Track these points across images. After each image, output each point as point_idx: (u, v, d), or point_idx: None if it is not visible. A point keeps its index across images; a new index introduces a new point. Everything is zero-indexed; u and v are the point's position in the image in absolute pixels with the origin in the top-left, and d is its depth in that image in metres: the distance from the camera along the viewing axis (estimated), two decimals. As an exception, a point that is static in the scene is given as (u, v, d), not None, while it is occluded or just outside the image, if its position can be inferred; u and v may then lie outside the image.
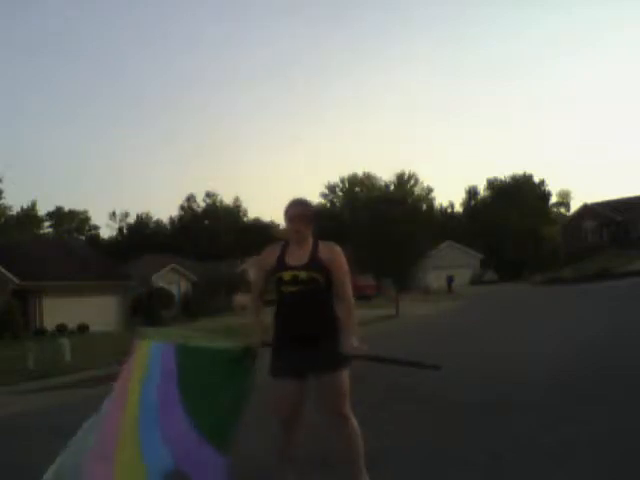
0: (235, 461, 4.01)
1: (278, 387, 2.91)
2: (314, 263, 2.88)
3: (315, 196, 61.71)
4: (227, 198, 67.02)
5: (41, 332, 25.18)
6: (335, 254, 2.93)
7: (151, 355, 2.74)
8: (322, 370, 2.85)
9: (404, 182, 57.52)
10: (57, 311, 26.39)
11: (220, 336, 3.03)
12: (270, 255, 3.01)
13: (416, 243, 23.59)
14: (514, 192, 56.67)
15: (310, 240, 2.98)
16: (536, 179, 61.29)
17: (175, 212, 66.45)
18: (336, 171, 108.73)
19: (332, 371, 2.85)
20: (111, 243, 62.17)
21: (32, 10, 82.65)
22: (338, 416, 2.91)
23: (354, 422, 2.93)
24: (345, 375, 2.90)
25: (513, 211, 53.54)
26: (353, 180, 60.67)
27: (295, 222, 2.92)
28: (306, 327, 2.85)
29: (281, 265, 2.92)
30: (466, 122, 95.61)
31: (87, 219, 67.64)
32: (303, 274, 2.86)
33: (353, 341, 2.78)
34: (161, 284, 35.97)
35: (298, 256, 2.91)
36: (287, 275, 2.88)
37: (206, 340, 2.97)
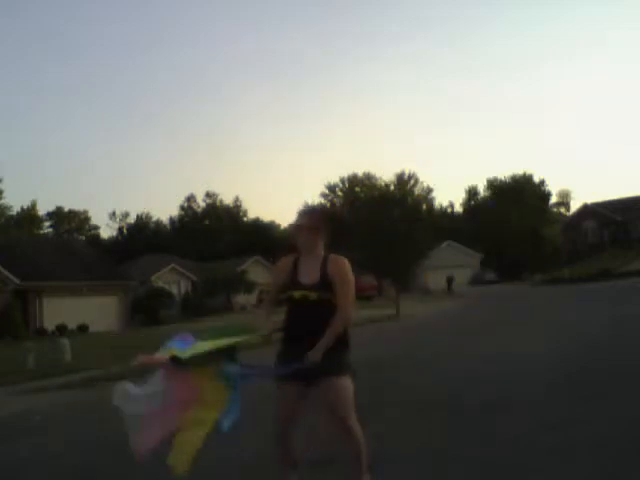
0: (235, 460, 4.02)
1: (280, 391, 2.97)
2: (324, 282, 2.90)
3: (315, 196, 61.68)
4: (227, 198, 67.04)
5: (41, 332, 25.18)
6: (340, 267, 2.94)
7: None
8: (323, 376, 2.84)
9: (404, 182, 57.40)
10: (57, 311, 26.39)
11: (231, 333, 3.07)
12: (284, 268, 3.03)
13: (416, 243, 23.59)
14: (514, 192, 56.65)
15: (321, 251, 3.00)
16: (536, 179, 61.31)
17: (175, 212, 66.52)
18: (336, 171, 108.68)
19: (333, 377, 2.85)
20: (111, 243, 62.15)
21: (33, 10, 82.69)
22: (341, 424, 2.90)
23: (357, 429, 2.91)
24: (347, 381, 2.89)
25: (513, 211, 53.53)
26: (353, 180, 60.62)
27: (300, 233, 2.97)
28: (312, 336, 2.84)
29: (293, 283, 2.95)
30: (466, 122, 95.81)
31: (87, 219, 67.63)
32: (313, 295, 2.88)
33: (317, 354, 2.76)
34: (161, 284, 35.95)
35: (310, 272, 2.93)
36: (297, 294, 2.91)
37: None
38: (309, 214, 3.09)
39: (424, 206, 50.18)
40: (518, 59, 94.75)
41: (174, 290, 36.51)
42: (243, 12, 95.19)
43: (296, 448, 3.07)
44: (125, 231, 65.91)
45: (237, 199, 66.41)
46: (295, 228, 3.02)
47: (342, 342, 2.92)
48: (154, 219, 67.46)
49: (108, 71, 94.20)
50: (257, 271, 40.59)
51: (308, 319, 2.89)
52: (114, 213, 67.23)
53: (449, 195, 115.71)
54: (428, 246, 28.11)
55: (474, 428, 4.29)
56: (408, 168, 58.06)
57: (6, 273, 25.39)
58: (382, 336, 13.89)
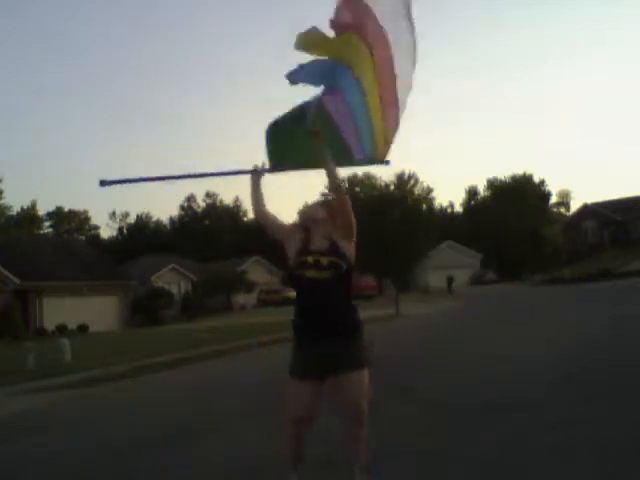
0: (237, 460, 4.02)
1: (295, 387, 2.88)
2: (334, 248, 2.90)
3: (315, 196, 61.71)
4: (227, 198, 67.05)
5: (41, 332, 25.20)
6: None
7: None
8: (344, 370, 2.82)
9: (404, 182, 57.45)
10: (57, 311, 26.42)
11: None
12: (297, 230, 3.04)
13: (416, 243, 23.59)
14: (514, 192, 56.66)
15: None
16: (536, 179, 61.37)
17: (175, 212, 66.56)
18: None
19: (354, 371, 2.83)
20: (111, 243, 62.17)
21: (33, 10, 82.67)
22: (357, 418, 2.88)
23: (365, 425, 2.92)
24: (366, 375, 2.88)
25: (513, 211, 53.54)
26: (353, 180, 60.69)
27: (318, 225, 3.01)
28: (328, 319, 2.83)
29: (304, 249, 2.93)
30: (466, 122, 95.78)
31: (87, 219, 67.63)
32: (324, 259, 2.85)
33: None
34: (161, 284, 35.96)
35: (319, 243, 2.94)
36: (310, 258, 2.87)
37: None
38: (320, 204, 3.08)
39: (424, 206, 50.31)
40: (518, 59, 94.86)
41: (174, 290, 36.52)
42: (244, 12, 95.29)
43: (303, 449, 3.03)
44: (125, 231, 65.95)
45: (237, 199, 66.51)
46: (312, 221, 3.00)
47: (357, 330, 2.90)
48: (154, 219, 67.57)
49: (108, 71, 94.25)
50: (257, 271, 40.63)
51: (322, 299, 2.83)
52: (114, 213, 67.34)
53: (449, 195, 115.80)
54: (428, 246, 28.14)
55: (474, 428, 4.29)
56: (408, 168, 58.17)
57: (6, 273, 25.41)
58: (381, 336, 13.89)
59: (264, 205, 3.16)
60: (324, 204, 3.08)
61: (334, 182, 2.94)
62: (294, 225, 3.13)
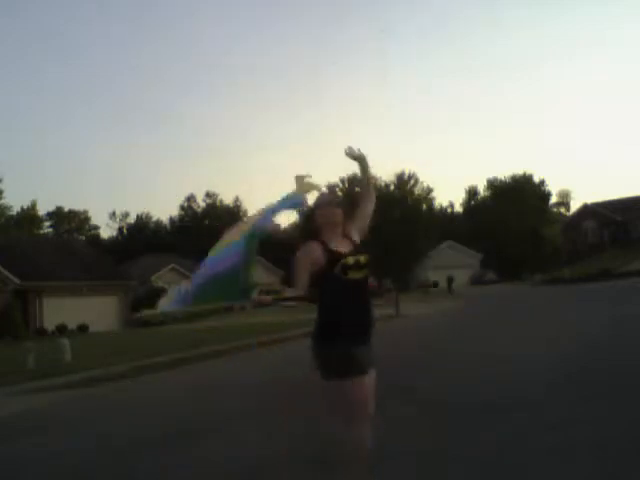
0: (234, 459, 4.02)
1: (366, 382, 2.78)
2: (357, 248, 2.89)
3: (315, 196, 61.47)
4: (227, 198, 67.04)
5: (41, 332, 25.19)
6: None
7: None
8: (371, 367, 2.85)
9: (404, 182, 57.44)
10: (57, 311, 26.40)
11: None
12: (316, 251, 2.87)
13: (416, 243, 23.65)
14: (514, 192, 56.65)
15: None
16: (536, 179, 61.30)
17: (175, 212, 66.52)
18: (337, 171, 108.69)
19: (373, 369, 2.87)
20: (111, 243, 62.16)
21: (33, 10, 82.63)
22: (360, 417, 2.84)
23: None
24: (374, 375, 2.89)
25: (513, 211, 53.54)
26: (353, 180, 60.68)
27: (333, 225, 2.95)
28: (363, 318, 2.83)
29: (332, 255, 2.81)
30: (466, 122, 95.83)
31: (87, 219, 67.59)
32: (363, 258, 2.84)
33: None
34: (161, 284, 35.94)
35: (341, 245, 2.87)
36: (351, 259, 2.79)
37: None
38: (334, 205, 2.98)
39: (424, 206, 50.29)
40: (518, 59, 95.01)
41: (174, 290, 36.50)
42: (244, 13, 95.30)
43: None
44: (125, 231, 65.92)
45: (237, 199, 66.46)
46: (328, 221, 2.91)
47: (372, 328, 2.92)
48: (154, 219, 67.53)
49: (108, 71, 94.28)
50: (257, 271, 40.60)
51: (358, 298, 2.81)
52: (114, 213, 67.31)
53: (449, 195, 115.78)
54: (428, 246, 28.21)
55: (474, 428, 4.29)
56: (408, 168, 58.10)
57: (6, 273, 25.39)
58: (381, 336, 13.87)
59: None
60: (333, 203, 2.99)
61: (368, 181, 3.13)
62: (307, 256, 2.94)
